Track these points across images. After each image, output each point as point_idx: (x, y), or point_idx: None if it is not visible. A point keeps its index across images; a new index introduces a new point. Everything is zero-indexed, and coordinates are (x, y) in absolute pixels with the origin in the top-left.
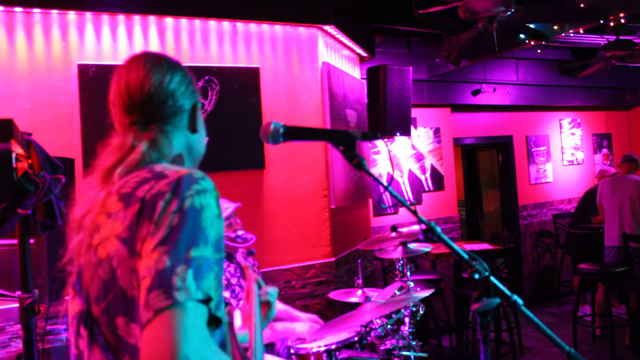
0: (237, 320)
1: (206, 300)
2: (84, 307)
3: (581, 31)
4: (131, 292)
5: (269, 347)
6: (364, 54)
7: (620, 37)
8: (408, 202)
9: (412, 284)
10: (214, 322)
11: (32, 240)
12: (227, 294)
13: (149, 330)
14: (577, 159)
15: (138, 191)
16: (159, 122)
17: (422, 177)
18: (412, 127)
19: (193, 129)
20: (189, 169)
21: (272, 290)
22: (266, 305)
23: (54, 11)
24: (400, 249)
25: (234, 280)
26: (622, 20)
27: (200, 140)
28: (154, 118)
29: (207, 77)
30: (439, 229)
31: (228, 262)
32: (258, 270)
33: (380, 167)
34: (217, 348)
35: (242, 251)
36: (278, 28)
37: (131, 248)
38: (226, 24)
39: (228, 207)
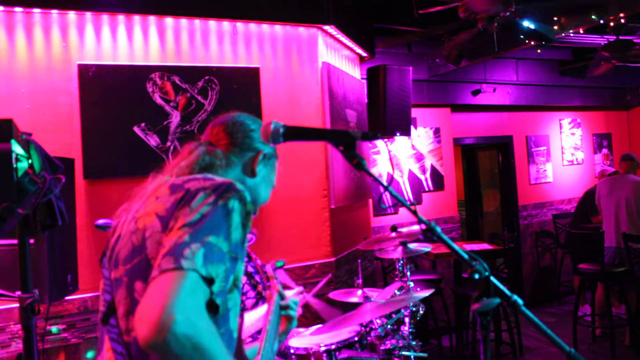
0: (247, 321)
1: (209, 280)
2: (110, 270)
3: (581, 31)
4: (155, 262)
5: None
6: (364, 54)
7: (620, 37)
8: (408, 202)
9: (412, 284)
10: (212, 307)
11: (32, 240)
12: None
13: (151, 284)
14: (577, 159)
15: (187, 184)
16: (229, 147)
17: (422, 177)
18: (412, 127)
19: (252, 171)
20: (235, 183)
21: (293, 303)
22: (286, 319)
23: (54, 11)
24: (400, 249)
25: (243, 279)
26: (622, 20)
27: (257, 187)
28: (226, 144)
29: (207, 77)
30: (439, 229)
31: (247, 258)
32: (262, 269)
33: (380, 167)
34: (208, 318)
35: (270, 264)
36: (278, 28)
37: (164, 224)
38: (226, 24)
39: None
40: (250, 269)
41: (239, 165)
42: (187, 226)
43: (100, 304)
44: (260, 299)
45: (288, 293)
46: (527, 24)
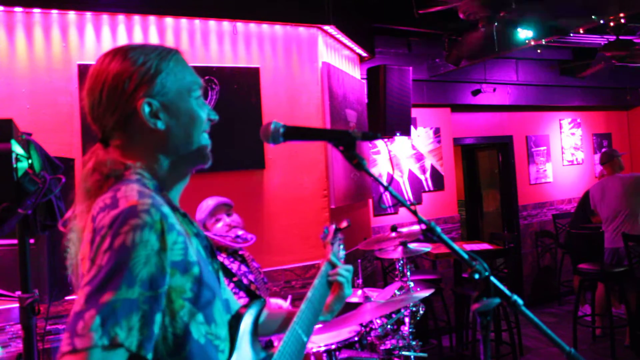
0: (246, 321)
1: (117, 344)
2: None
3: (581, 31)
4: None
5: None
6: (364, 54)
7: (620, 37)
8: (408, 202)
9: (412, 284)
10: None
11: (32, 240)
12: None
13: None
14: (577, 159)
15: (97, 217)
16: (115, 135)
17: (422, 177)
18: (412, 127)
19: (150, 130)
20: (139, 199)
21: (344, 271)
22: (337, 285)
23: (54, 11)
24: (400, 249)
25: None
26: (622, 20)
27: (178, 132)
28: (108, 133)
29: (207, 77)
30: (439, 229)
31: (232, 258)
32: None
33: (380, 167)
34: None
35: (334, 226)
36: (278, 28)
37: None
38: (226, 24)
39: (211, 203)
40: (240, 271)
41: (138, 135)
42: (86, 286)
43: None
44: (254, 297)
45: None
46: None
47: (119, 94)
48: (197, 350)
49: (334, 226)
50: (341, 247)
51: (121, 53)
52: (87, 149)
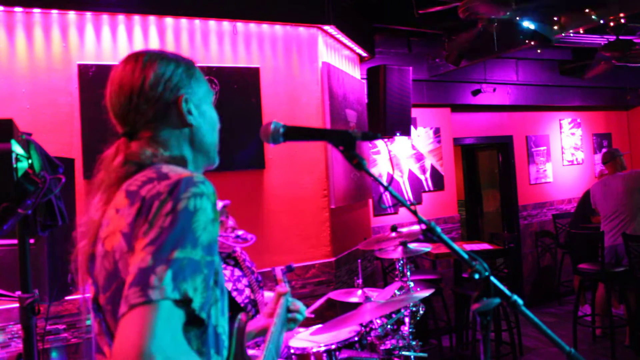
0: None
1: (185, 301)
2: (94, 294)
3: (581, 31)
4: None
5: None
6: (364, 54)
7: (620, 37)
8: (408, 202)
9: (412, 284)
10: (197, 322)
11: (32, 240)
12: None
13: (122, 323)
14: (577, 159)
15: (142, 190)
16: (144, 129)
17: (422, 177)
18: (412, 127)
19: (184, 124)
20: (192, 172)
21: (302, 308)
22: (291, 321)
23: (54, 11)
24: (400, 249)
25: (229, 286)
26: (622, 20)
27: (202, 129)
28: (138, 126)
29: (207, 77)
30: (439, 229)
31: (225, 264)
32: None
33: (380, 167)
34: (189, 349)
35: (281, 268)
36: (278, 28)
37: (129, 243)
38: (226, 24)
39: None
40: (234, 276)
41: (172, 129)
42: (149, 245)
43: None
44: (249, 302)
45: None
46: (527, 24)
47: (162, 87)
48: (212, 336)
49: (282, 267)
50: (287, 282)
51: (157, 54)
52: (87, 149)
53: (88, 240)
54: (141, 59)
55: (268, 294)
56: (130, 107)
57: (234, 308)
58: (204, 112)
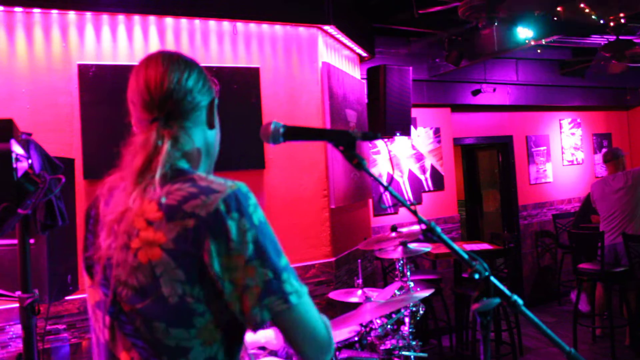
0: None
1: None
2: (109, 297)
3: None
4: (173, 300)
5: (272, 351)
6: (364, 54)
7: (620, 37)
8: (408, 202)
9: (412, 284)
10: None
11: (32, 240)
12: None
13: (282, 329)
14: (577, 159)
15: (186, 206)
16: (178, 118)
17: (422, 177)
18: (412, 127)
19: (211, 125)
20: (233, 182)
21: None
22: None
23: (54, 11)
24: (400, 249)
25: None
26: (622, 20)
27: (217, 136)
28: (173, 114)
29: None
30: (439, 229)
31: None
32: None
33: (380, 167)
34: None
35: None
36: (278, 28)
37: (177, 259)
38: (226, 24)
39: None
40: None
41: (198, 127)
42: (254, 260)
43: (95, 295)
44: None
45: None
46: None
47: (203, 85)
48: (237, 340)
49: None
50: None
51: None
52: (87, 149)
53: (118, 245)
54: (180, 59)
55: None
56: (173, 95)
57: None
58: (216, 116)
